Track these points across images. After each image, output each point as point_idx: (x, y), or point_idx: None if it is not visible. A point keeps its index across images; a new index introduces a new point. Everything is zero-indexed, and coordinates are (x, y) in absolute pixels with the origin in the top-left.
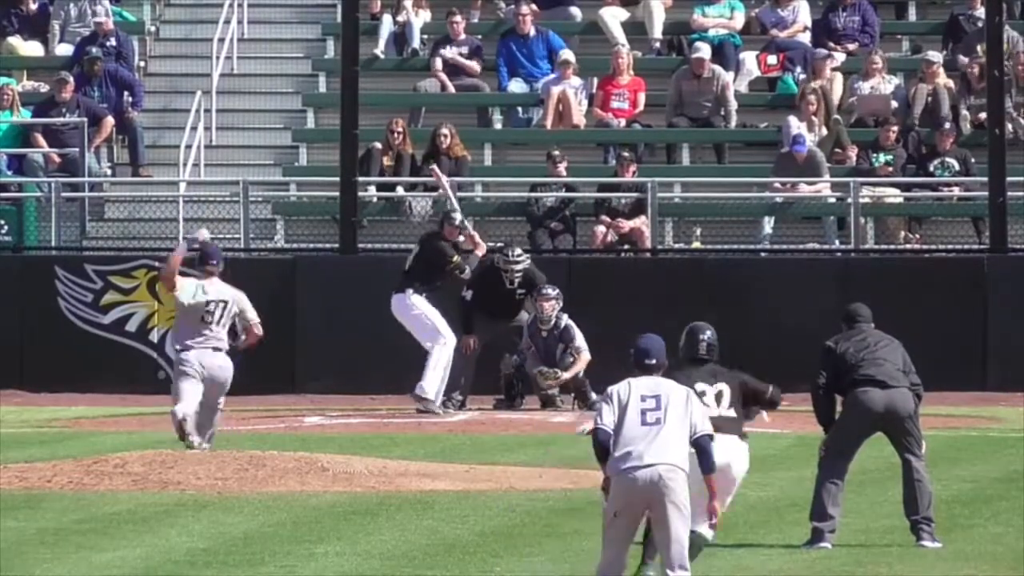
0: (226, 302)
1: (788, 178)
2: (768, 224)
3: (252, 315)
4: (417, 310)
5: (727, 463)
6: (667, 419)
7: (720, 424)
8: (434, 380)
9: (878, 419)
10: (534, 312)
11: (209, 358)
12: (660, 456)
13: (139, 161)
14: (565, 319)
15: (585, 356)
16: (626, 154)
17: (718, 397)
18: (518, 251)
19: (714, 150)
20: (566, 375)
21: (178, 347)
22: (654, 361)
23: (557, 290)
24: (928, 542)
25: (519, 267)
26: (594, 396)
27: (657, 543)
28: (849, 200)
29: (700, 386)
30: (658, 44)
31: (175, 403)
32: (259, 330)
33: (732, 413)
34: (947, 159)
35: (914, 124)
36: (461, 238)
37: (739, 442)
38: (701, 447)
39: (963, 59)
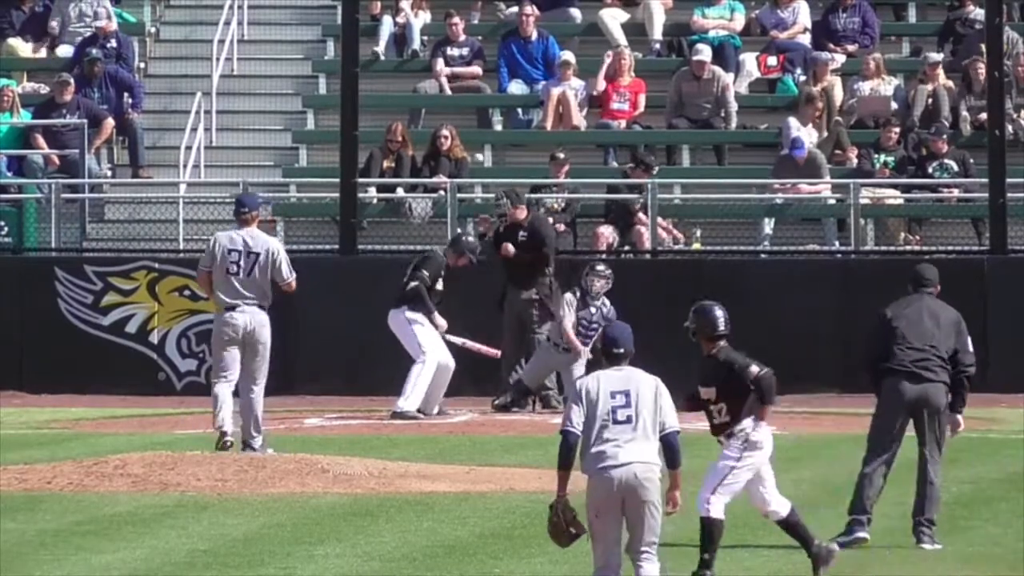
0: (257, 254)
1: (788, 179)
2: (768, 225)
3: (284, 271)
4: (407, 326)
5: None
6: (638, 415)
7: None
8: (415, 396)
9: (911, 407)
10: (580, 291)
11: (239, 316)
12: (634, 455)
13: (139, 162)
14: (611, 309)
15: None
16: (651, 158)
17: None
18: (501, 196)
19: (714, 151)
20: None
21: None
22: (622, 350)
23: (610, 270)
24: (928, 544)
25: (499, 209)
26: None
27: (628, 532)
28: (849, 201)
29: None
30: (658, 45)
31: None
32: (291, 288)
33: None
34: (945, 161)
35: (914, 125)
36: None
37: None
38: (668, 443)
39: (963, 61)
